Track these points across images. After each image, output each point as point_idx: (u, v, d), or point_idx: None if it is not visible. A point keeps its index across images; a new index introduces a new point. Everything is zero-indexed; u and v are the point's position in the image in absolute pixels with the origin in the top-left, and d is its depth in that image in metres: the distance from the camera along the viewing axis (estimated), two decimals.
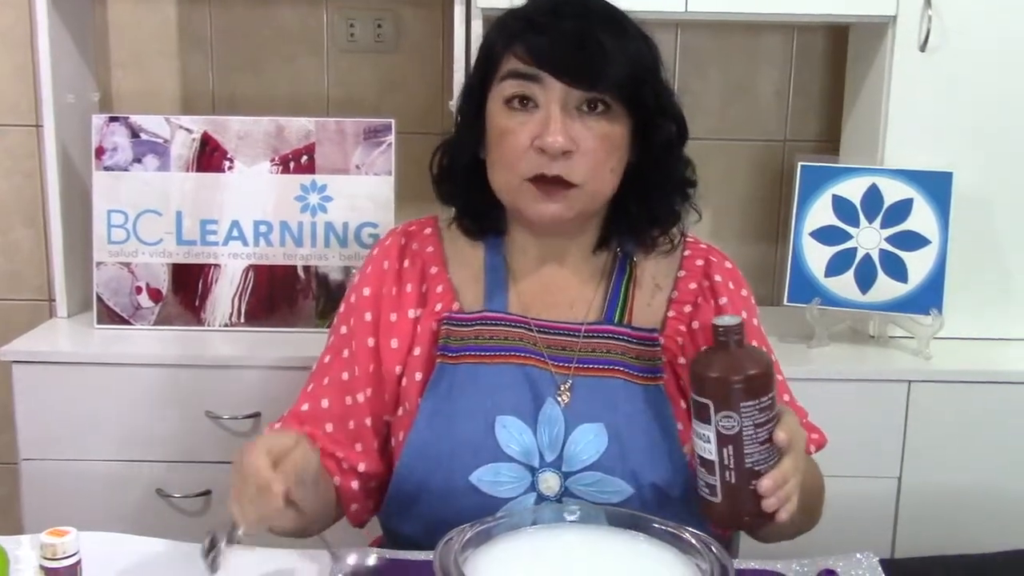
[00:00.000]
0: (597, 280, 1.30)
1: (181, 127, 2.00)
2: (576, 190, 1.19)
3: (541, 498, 1.18)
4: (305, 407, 1.27)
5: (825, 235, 1.99)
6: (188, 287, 2.01)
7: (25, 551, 1.08)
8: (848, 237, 1.98)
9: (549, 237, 1.27)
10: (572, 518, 1.09)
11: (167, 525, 1.88)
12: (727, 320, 1.04)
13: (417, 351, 1.25)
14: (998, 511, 1.88)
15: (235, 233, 2.01)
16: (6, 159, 2.26)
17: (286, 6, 2.24)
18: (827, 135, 2.29)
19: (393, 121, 2.00)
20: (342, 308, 1.31)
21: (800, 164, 2.02)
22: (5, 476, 2.28)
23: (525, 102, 1.18)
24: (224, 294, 2.01)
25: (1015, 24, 1.93)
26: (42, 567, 1.00)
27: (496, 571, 0.96)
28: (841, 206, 1.98)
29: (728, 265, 1.32)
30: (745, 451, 1.00)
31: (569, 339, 1.23)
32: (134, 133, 1.99)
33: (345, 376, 1.26)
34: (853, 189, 1.98)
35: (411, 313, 1.26)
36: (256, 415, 1.87)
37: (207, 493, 1.90)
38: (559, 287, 1.29)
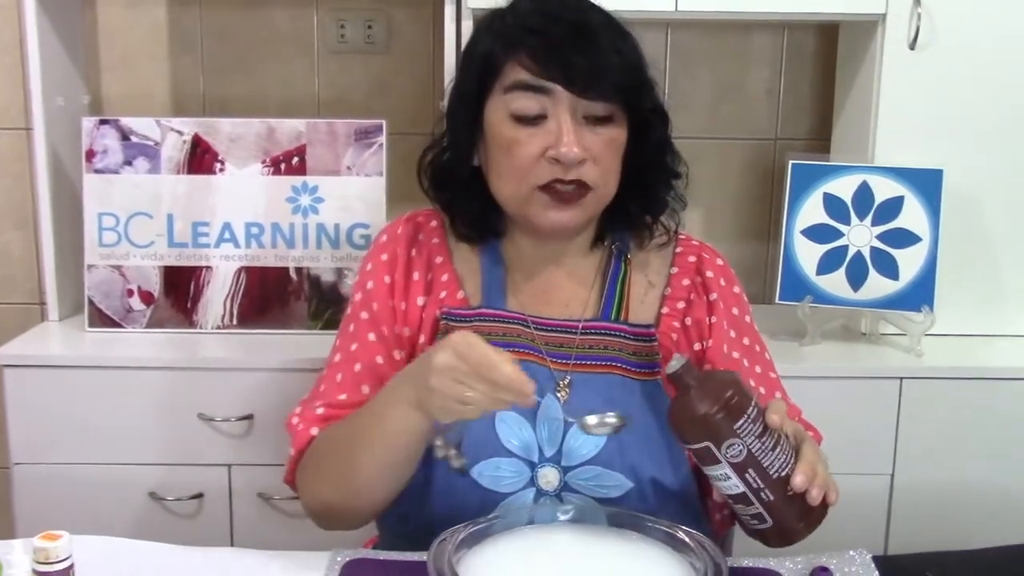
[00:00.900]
0: (593, 278, 1.30)
1: (172, 129, 1.99)
2: (591, 195, 1.20)
3: (541, 493, 1.19)
4: (343, 396, 1.24)
5: (816, 233, 2.00)
6: (180, 289, 2.01)
7: (18, 555, 1.08)
8: (839, 235, 1.99)
9: (549, 240, 1.27)
10: (566, 517, 1.09)
11: (160, 528, 1.88)
12: (676, 364, 1.03)
13: (422, 339, 1.25)
14: (991, 507, 1.89)
15: (227, 235, 2.00)
16: None
17: (276, 8, 2.24)
18: (818, 133, 2.30)
19: (384, 122, 2.00)
20: (358, 296, 1.30)
21: (791, 162, 2.02)
22: None
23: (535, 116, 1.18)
24: (216, 296, 2.01)
25: (1005, 22, 1.94)
26: (35, 571, 1.00)
27: (490, 571, 0.96)
28: (832, 204, 1.99)
29: (720, 262, 1.33)
30: (764, 465, 1.00)
31: (567, 336, 1.24)
32: (124, 136, 1.98)
33: (380, 360, 1.25)
34: (844, 187, 1.98)
35: (419, 301, 1.27)
36: (249, 417, 1.87)
37: (200, 496, 1.90)
38: (556, 286, 1.29)
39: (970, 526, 1.84)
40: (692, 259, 1.32)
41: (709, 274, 1.30)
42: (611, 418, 1.06)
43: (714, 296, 1.28)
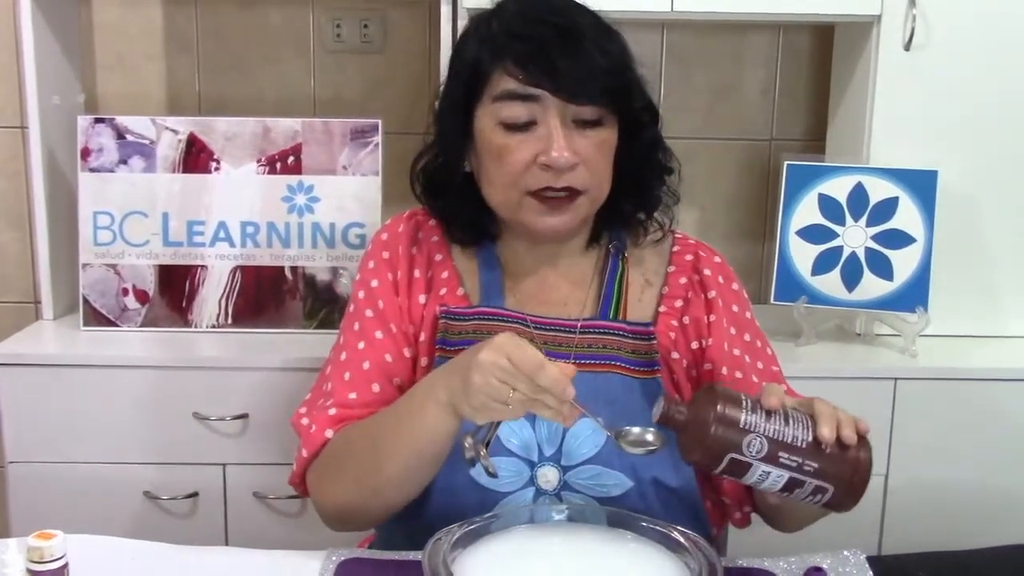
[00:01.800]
0: (590, 277, 1.31)
1: (167, 128, 1.99)
2: (582, 198, 1.21)
3: (540, 492, 1.19)
4: (353, 395, 1.23)
5: (811, 234, 2.00)
6: (175, 288, 2.01)
7: (12, 555, 1.07)
8: (834, 236, 1.99)
9: (543, 243, 1.27)
10: (561, 517, 1.09)
11: (155, 527, 1.88)
12: (657, 410, 1.02)
13: (423, 337, 1.25)
14: (985, 507, 1.89)
15: (222, 234, 2.00)
16: None
17: (272, 7, 2.24)
18: (813, 134, 2.30)
19: (380, 121, 2.00)
20: (361, 294, 1.29)
21: (786, 163, 2.02)
22: None
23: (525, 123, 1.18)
24: (211, 295, 2.01)
25: (999, 23, 1.94)
26: (29, 571, 1.00)
27: (484, 571, 0.96)
28: (827, 205, 1.99)
29: (717, 260, 1.33)
30: (789, 441, 0.98)
31: (565, 335, 1.24)
32: (120, 134, 1.98)
33: (389, 358, 1.25)
34: (839, 188, 1.99)
35: (421, 299, 1.27)
36: (244, 416, 1.87)
37: (195, 495, 1.90)
38: (553, 286, 1.30)
39: (964, 527, 1.85)
40: (689, 257, 1.32)
41: (707, 272, 1.30)
42: (650, 435, 1.05)
43: (712, 294, 1.29)
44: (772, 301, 2.01)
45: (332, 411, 1.22)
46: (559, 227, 1.22)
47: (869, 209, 1.97)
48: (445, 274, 1.28)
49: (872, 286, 1.97)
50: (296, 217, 2.01)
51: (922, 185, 1.95)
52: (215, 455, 1.89)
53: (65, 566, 1.02)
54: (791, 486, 0.99)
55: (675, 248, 1.33)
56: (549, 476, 1.19)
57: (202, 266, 2.00)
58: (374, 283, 1.28)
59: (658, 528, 1.05)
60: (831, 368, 1.90)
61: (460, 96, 1.23)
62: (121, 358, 1.88)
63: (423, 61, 2.24)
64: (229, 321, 2.01)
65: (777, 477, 0.98)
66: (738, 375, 1.25)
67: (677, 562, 1.00)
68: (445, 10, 1.92)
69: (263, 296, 2.01)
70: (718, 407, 0.98)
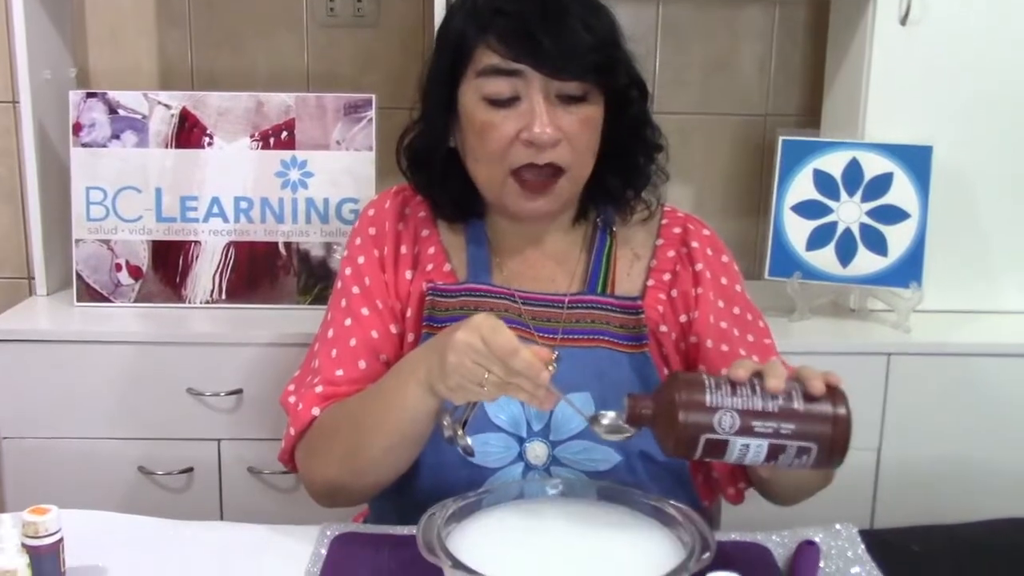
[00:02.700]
0: (578, 252, 1.30)
1: (159, 103, 1.98)
2: (563, 180, 1.20)
3: (529, 467, 1.19)
4: (340, 372, 1.23)
5: (806, 209, 2.00)
6: (168, 264, 2.00)
7: (7, 529, 1.07)
8: (829, 211, 1.99)
9: (530, 222, 1.27)
10: (555, 492, 1.09)
11: (150, 502, 1.88)
12: (626, 410, 1.00)
13: (410, 313, 1.25)
14: (976, 482, 1.90)
15: (215, 210, 2.00)
16: None
17: None
18: (808, 109, 2.29)
19: (373, 96, 1.99)
20: (348, 271, 1.29)
21: (781, 138, 2.02)
22: None
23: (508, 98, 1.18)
24: (205, 271, 2.00)
25: None
26: (24, 545, 1.00)
27: (479, 545, 0.97)
28: (822, 180, 1.99)
29: (706, 232, 1.33)
30: (759, 409, 0.96)
31: (553, 310, 1.24)
32: (112, 109, 1.97)
33: (375, 334, 1.25)
34: (834, 163, 1.98)
35: (407, 275, 1.27)
36: (238, 392, 1.87)
37: (190, 470, 1.90)
38: (541, 262, 1.29)
39: (956, 501, 1.86)
40: (677, 230, 1.31)
41: (695, 244, 1.30)
42: (623, 422, 1.04)
43: (700, 266, 1.28)
44: (766, 277, 2.01)
45: (319, 389, 1.22)
46: (540, 211, 1.22)
47: (864, 185, 1.97)
48: (432, 250, 1.28)
49: (866, 262, 1.97)
50: (290, 193, 2.00)
51: (917, 160, 1.95)
52: (209, 430, 1.89)
53: (60, 541, 1.02)
54: (774, 453, 0.97)
55: (664, 221, 1.33)
56: (538, 451, 1.19)
57: (196, 242, 2.00)
58: (360, 260, 1.28)
59: (651, 502, 1.05)
60: (824, 343, 1.90)
61: (445, 71, 1.23)
62: (115, 334, 1.87)
63: (417, 35, 2.23)
64: (223, 297, 2.01)
65: (757, 447, 0.97)
66: (724, 348, 1.25)
67: (670, 536, 1.00)
68: None
69: (257, 272, 2.01)
70: (680, 394, 0.97)
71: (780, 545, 1.13)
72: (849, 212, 1.98)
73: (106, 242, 1.99)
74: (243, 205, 2.00)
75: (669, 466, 1.23)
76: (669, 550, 0.97)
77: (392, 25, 2.24)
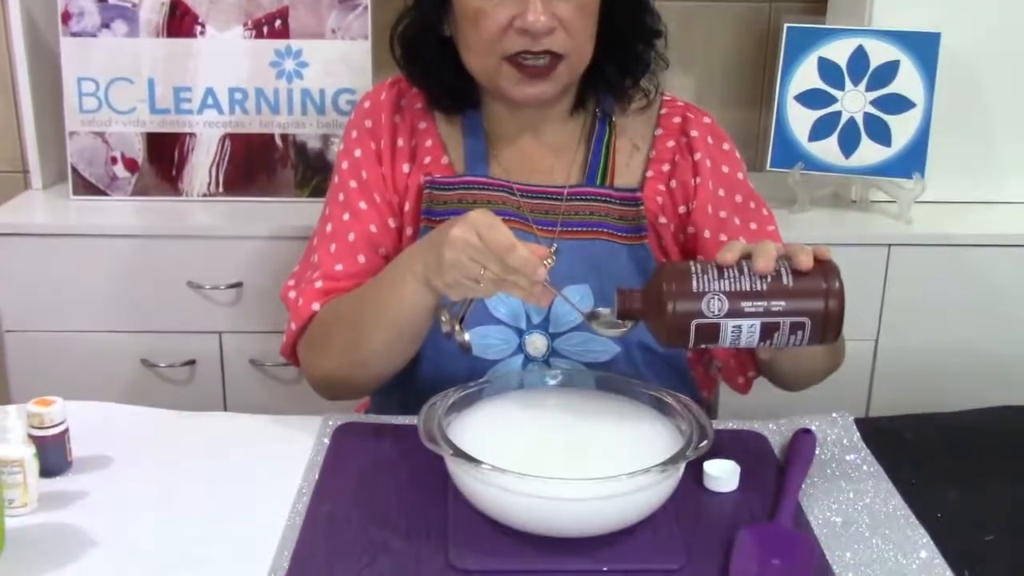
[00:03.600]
0: (576, 143, 1.28)
1: None
2: (562, 66, 1.18)
3: (528, 359, 1.20)
4: (339, 267, 1.22)
5: (810, 99, 1.97)
6: (164, 157, 1.98)
7: (12, 420, 1.09)
8: (833, 100, 1.96)
9: (527, 109, 1.25)
10: (555, 382, 1.10)
11: (153, 394, 1.90)
12: (617, 308, 0.99)
13: (408, 207, 1.24)
14: (972, 371, 1.92)
15: (209, 101, 1.97)
16: None
17: None
18: None
19: None
20: (344, 165, 1.27)
21: (786, 26, 1.98)
22: None
23: None
24: (201, 164, 1.99)
25: None
26: (30, 436, 1.01)
27: (479, 434, 0.98)
28: (827, 69, 1.95)
29: (706, 120, 1.30)
30: (748, 289, 0.95)
31: (552, 203, 1.23)
32: None
33: (374, 228, 1.24)
34: (839, 51, 1.95)
35: (404, 168, 1.26)
36: (238, 285, 1.87)
37: (192, 363, 1.92)
38: (539, 153, 1.28)
39: (952, 390, 1.88)
40: (677, 120, 1.29)
41: (694, 133, 1.28)
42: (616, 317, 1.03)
43: (699, 156, 1.26)
44: (768, 168, 2.00)
45: (319, 284, 1.22)
46: (538, 96, 1.19)
47: (869, 73, 1.94)
48: (429, 142, 1.26)
49: (869, 152, 1.95)
50: (285, 83, 1.97)
51: (924, 48, 1.91)
52: (211, 323, 1.90)
53: (66, 431, 1.03)
54: (768, 332, 0.96)
55: (663, 111, 1.30)
56: (537, 343, 1.20)
57: (191, 134, 1.97)
58: (357, 153, 1.26)
59: (649, 392, 1.06)
60: (825, 235, 1.90)
61: None
62: (113, 227, 1.87)
63: None
64: (220, 190, 1.99)
65: (750, 328, 0.96)
66: (722, 238, 1.24)
67: (668, 425, 1.01)
68: None
69: (254, 164, 1.99)
70: (666, 283, 0.96)
71: (777, 434, 1.14)
72: (854, 101, 1.95)
73: (100, 135, 1.97)
74: (238, 96, 1.97)
75: (667, 357, 1.23)
76: (667, 439, 0.99)
77: None
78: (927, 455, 1.12)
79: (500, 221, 0.99)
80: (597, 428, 1.03)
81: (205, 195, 1.99)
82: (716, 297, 0.95)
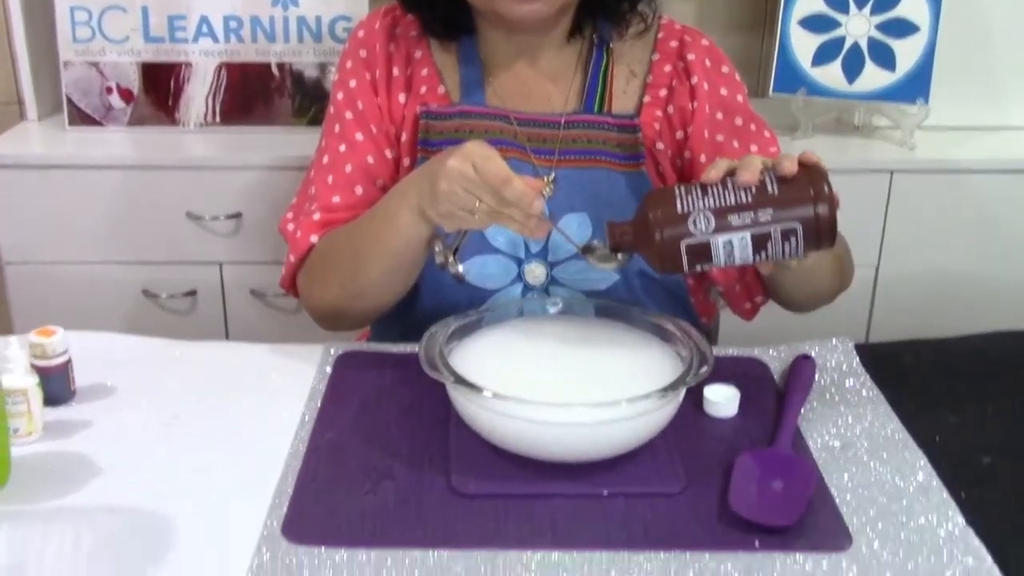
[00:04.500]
0: (573, 70, 1.27)
1: None
2: None
3: (528, 288, 1.20)
4: (337, 199, 1.22)
5: (813, 23, 1.94)
6: (160, 87, 1.96)
7: (14, 351, 1.09)
8: (837, 25, 1.93)
9: (523, 33, 1.23)
10: (555, 310, 1.10)
11: (155, 325, 1.91)
12: (609, 241, 0.99)
13: (404, 137, 1.23)
14: (972, 297, 1.92)
15: (204, 29, 1.94)
16: None
17: None
18: None
19: None
20: (340, 96, 1.26)
21: None
22: None
23: None
24: (197, 93, 1.96)
25: None
26: (33, 366, 1.02)
27: (480, 361, 0.98)
28: None
29: (704, 43, 1.28)
30: (733, 202, 0.94)
31: (549, 131, 1.22)
32: None
33: (371, 159, 1.23)
34: None
35: (400, 98, 1.24)
36: (238, 215, 1.87)
37: (193, 293, 1.92)
38: (536, 80, 1.26)
39: (952, 316, 1.88)
40: (674, 44, 1.27)
41: (691, 57, 1.25)
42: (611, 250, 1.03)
43: (696, 79, 1.24)
44: (771, 93, 1.98)
45: (316, 216, 1.21)
46: (533, 15, 1.16)
47: None
48: (425, 71, 1.24)
49: (873, 77, 1.93)
50: (280, 11, 1.94)
51: None
52: (211, 254, 1.90)
53: (68, 361, 1.04)
54: (761, 244, 0.95)
55: (660, 35, 1.28)
56: (536, 272, 1.20)
57: (186, 63, 1.95)
58: (352, 83, 1.25)
59: (649, 318, 1.06)
60: (828, 161, 1.83)
61: None
62: (110, 157, 1.85)
63: None
64: (217, 120, 1.98)
65: (741, 242, 0.95)
66: None
67: (668, 351, 1.02)
68: None
69: (250, 94, 1.97)
70: (651, 210, 0.96)
71: (776, 360, 1.15)
72: (858, 26, 1.92)
73: (95, 64, 1.94)
74: (233, 24, 1.94)
75: (666, 284, 1.23)
76: (667, 364, 0.99)
77: None
78: (926, 380, 1.13)
79: (496, 153, 0.98)
80: (597, 355, 1.03)
81: (202, 125, 1.97)
82: (702, 215, 0.95)
